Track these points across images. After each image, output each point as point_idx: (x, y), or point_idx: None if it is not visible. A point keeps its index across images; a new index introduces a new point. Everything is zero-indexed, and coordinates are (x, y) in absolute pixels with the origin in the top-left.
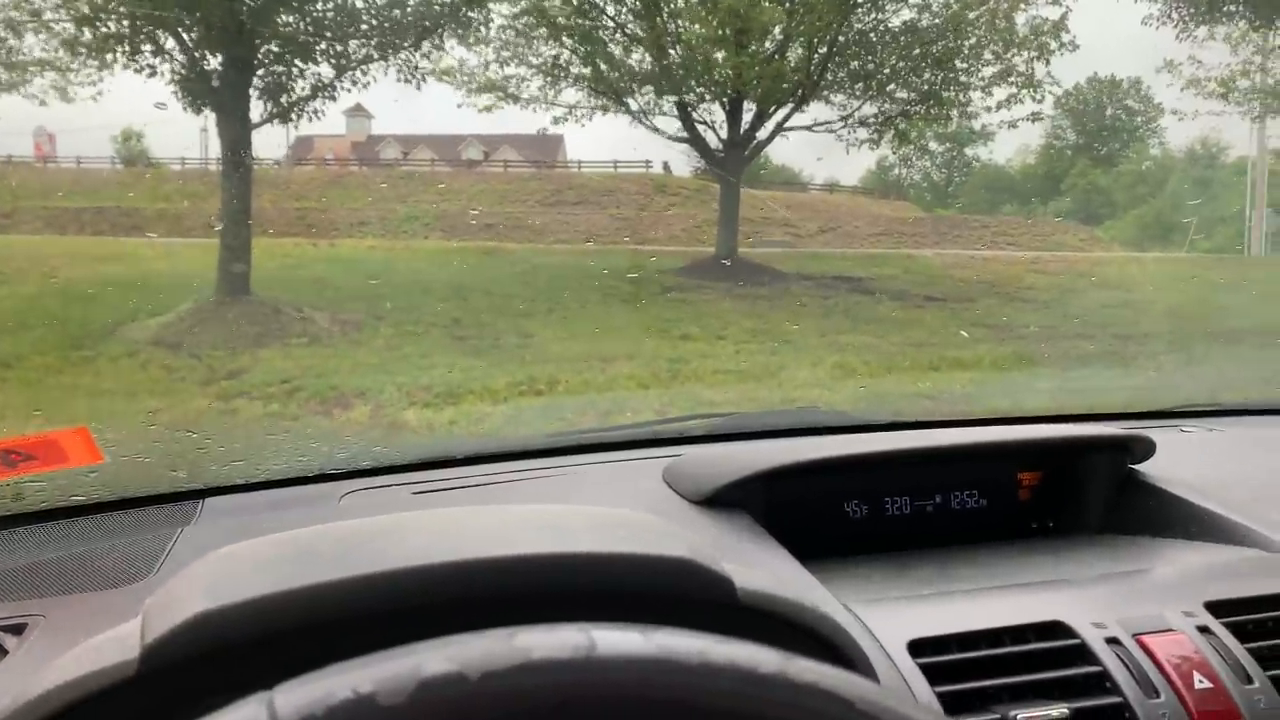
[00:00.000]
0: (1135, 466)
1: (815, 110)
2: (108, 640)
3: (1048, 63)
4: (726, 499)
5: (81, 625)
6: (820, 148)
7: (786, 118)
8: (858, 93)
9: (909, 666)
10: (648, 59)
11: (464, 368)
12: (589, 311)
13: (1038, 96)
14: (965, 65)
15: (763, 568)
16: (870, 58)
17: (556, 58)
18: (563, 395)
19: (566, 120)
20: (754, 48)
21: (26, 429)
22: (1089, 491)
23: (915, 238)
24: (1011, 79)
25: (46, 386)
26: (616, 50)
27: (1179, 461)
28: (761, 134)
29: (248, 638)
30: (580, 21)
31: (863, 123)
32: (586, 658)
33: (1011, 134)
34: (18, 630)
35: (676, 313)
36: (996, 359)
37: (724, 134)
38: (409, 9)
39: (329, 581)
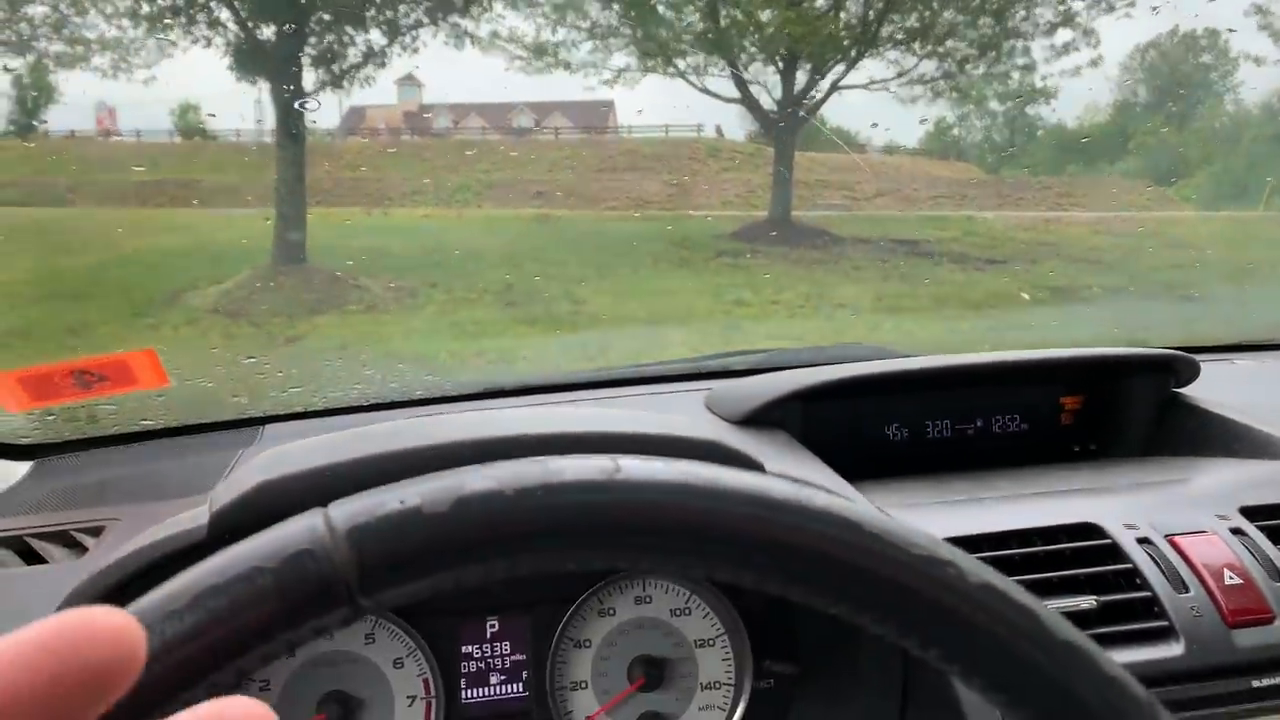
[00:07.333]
0: (1179, 390)
1: (870, 68)
2: (179, 519)
3: (1112, 7)
4: (765, 418)
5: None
6: (878, 108)
7: (841, 77)
8: (914, 49)
9: None
10: (697, 18)
11: (516, 334)
12: (640, 277)
13: (1093, 42)
14: (1024, 15)
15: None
16: (926, 11)
17: (604, 20)
18: (614, 359)
19: (616, 83)
20: (804, 4)
21: None
22: (1131, 413)
23: (976, 200)
24: (1068, 25)
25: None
26: (664, 10)
27: (1224, 387)
28: (816, 94)
29: (304, 503)
30: None
31: (920, 80)
32: (611, 479)
33: (1078, 93)
34: (95, 532)
35: (730, 278)
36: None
37: (777, 95)
38: None
39: (379, 453)
